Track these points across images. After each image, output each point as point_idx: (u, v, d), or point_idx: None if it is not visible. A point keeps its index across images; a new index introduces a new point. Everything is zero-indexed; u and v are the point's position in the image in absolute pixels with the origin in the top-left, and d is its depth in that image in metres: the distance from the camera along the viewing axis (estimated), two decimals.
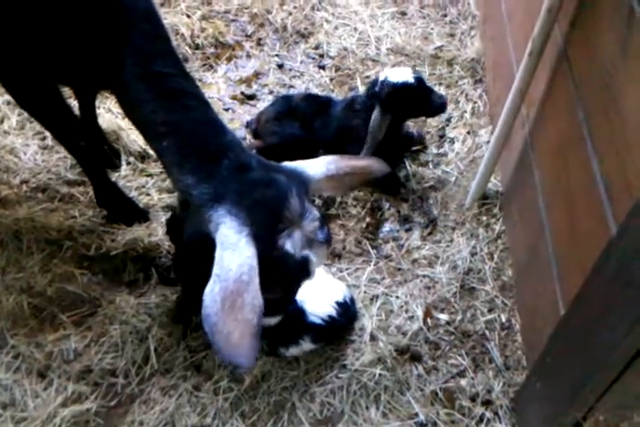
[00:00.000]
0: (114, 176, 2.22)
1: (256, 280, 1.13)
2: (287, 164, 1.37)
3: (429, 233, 2.08)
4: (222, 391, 1.68)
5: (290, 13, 2.84)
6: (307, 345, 1.68)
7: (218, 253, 1.14)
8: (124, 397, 1.68)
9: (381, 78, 2.09)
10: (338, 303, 1.69)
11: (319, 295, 1.66)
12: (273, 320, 1.49)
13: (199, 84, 2.68)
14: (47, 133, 2.38)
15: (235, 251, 1.13)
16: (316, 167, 1.35)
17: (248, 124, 2.49)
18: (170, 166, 1.28)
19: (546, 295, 1.41)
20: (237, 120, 2.55)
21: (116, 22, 1.27)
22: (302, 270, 1.26)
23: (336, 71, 2.65)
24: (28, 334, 1.79)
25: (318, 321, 1.64)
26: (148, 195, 2.21)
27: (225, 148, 1.25)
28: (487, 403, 1.58)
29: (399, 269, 1.96)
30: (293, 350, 1.70)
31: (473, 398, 1.59)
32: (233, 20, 2.81)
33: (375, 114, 2.08)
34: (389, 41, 2.67)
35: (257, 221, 1.17)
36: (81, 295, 1.88)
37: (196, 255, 1.37)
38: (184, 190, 1.27)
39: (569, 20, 1.35)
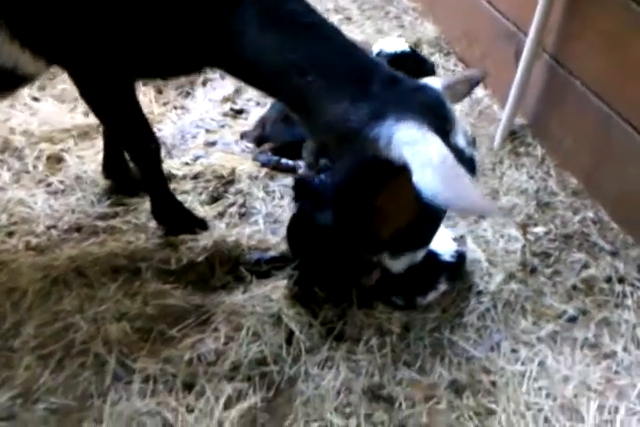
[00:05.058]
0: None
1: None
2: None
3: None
4: (377, 349, 1.73)
5: None
6: (442, 287, 1.82)
7: (409, 152, 1.26)
8: (283, 383, 1.67)
9: (377, 51, 2.34)
10: (454, 240, 1.85)
11: (440, 236, 1.79)
12: (420, 255, 1.61)
13: (182, 111, 2.84)
14: (52, 179, 2.33)
15: (425, 143, 1.27)
16: (435, 81, 1.52)
17: (243, 136, 2.62)
18: (318, 101, 1.38)
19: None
20: (237, 133, 2.66)
21: None
22: (472, 166, 1.41)
23: None
24: (148, 356, 1.71)
25: (451, 259, 1.79)
26: (193, 209, 2.23)
27: (370, 67, 1.40)
28: (621, 280, 1.83)
29: None
30: (431, 296, 1.81)
31: (608, 280, 1.83)
32: None
33: None
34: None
35: (428, 121, 1.31)
36: (184, 307, 1.85)
37: (359, 188, 1.46)
38: (338, 121, 1.36)
39: None
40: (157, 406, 1.61)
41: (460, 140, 1.38)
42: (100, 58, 1.56)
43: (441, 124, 1.35)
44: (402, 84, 1.38)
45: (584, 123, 2.05)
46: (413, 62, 2.33)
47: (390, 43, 2.33)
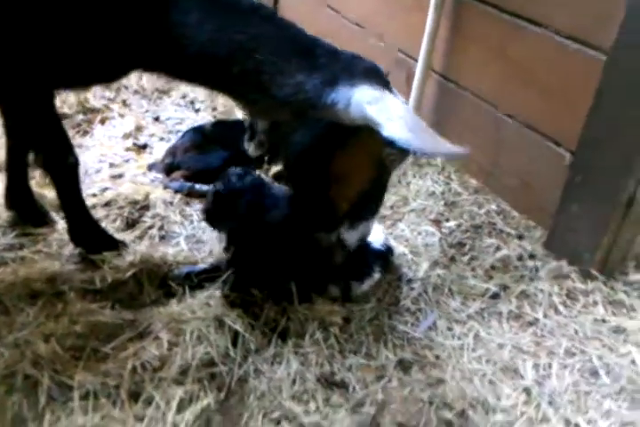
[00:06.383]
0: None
1: None
2: None
3: None
4: (323, 341, 1.81)
5: (141, 77, 3.19)
6: (376, 275, 1.95)
7: (374, 109, 1.41)
8: (234, 382, 1.68)
9: None
10: (383, 233, 2.03)
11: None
12: (371, 226, 1.76)
13: (80, 149, 2.87)
14: None
15: (386, 100, 1.44)
16: None
17: (151, 167, 2.69)
18: (271, 78, 1.50)
19: (541, 158, 2.13)
20: (143, 166, 2.72)
21: None
22: None
23: (213, 111, 3.06)
24: (85, 371, 1.66)
25: (382, 248, 1.95)
26: None
27: (312, 41, 1.56)
28: (532, 256, 2.10)
29: (384, 217, 2.37)
30: (366, 284, 1.94)
31: (520, 258, 2.09)
32: None
33: None
34: None
35: (376, 82, 1.49)
36: (116, 323, 1.82)
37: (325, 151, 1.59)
38: (294, 93, 1.49)
39: None
40: (102, 421, 1.55)
41: (401, 100, 1.58)
42: (17, 62, 1.59)
43: (385, 85, 1.53)
44: (343, 54, 1.56)
45: (477, 128, 2.39)
46: None
47: None
